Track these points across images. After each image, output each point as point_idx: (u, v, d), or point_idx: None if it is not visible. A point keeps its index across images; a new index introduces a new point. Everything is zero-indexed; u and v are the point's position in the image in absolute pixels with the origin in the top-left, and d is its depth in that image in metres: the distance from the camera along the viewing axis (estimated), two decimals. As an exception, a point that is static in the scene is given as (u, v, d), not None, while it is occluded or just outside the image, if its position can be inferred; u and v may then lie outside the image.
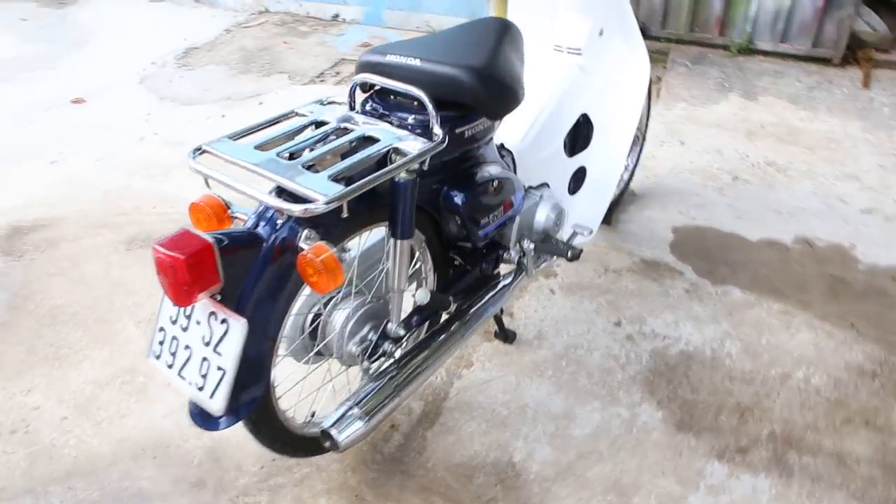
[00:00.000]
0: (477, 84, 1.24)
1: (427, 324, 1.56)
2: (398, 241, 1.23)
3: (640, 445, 1.62)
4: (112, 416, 1.71)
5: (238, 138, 1.16)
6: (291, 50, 4.20)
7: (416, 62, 1.25)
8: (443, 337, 1.43)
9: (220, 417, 1.10)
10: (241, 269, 1.05)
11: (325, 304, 1.34)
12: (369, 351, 1.35)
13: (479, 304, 1.55)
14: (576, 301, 2.08)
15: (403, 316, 1.40)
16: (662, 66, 3.66)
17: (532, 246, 1.60)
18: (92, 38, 4.40)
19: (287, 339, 1.33)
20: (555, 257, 1.73)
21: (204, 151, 1.12)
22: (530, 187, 1.74)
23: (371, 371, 1.37)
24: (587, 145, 1.94)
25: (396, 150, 1.15)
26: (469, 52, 1.28)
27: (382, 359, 1.40)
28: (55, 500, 1.51)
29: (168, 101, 3.50)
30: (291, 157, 1.13)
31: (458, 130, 1.30)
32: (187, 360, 1.06)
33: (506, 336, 1.90)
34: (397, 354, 1.42)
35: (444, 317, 1.53)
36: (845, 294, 2.12)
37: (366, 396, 1.27)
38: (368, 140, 1.16)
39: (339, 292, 1.35)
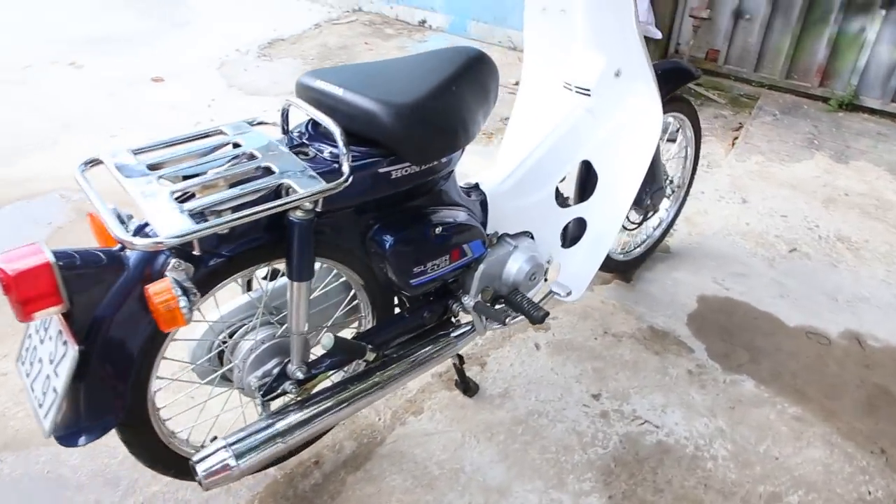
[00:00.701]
0: (394, 123, 1.12)
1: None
2: (293, 283, 1.14)
3: (571, 543, 1.44)
4: (65, 395, 1.75)
5: (142, 152, 1.12)
6: (370, 51, 4.22)
7: (339, 91, 1.14)
8: (354, 387, 1.33)
9: (78, 435, 1.06)
10: (98, 290, 1.01)
11: (232, 334, 1.28)
12: (267, 388, 1.27)
13: (411, 357, 1.42)
14: (559, 362, 1.89)
15: (314, 357, 1.31)
16: (748, 112, 3.32)
17: (472, 303, 1.44)
18: (194, 20, 4.65)
19: (191, 360, 1.28)
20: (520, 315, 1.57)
21: (99, 162, 1.09)
22: (505, 234, 1.59)
23: (268, 409, 1.29)
24: (592, 195, 1.76)
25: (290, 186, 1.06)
26: (403, 86, 1.16)
27: (284, 398, 1.32)
28: (-16, 470, 1.56)
29: (235, 89, 3.61)
30: (186, 179, 1.07)
31: (381, 171, 1.18)
32: (38, 372, 1.03)
33: (466, 387, 1.76)
34: (317, 389, 1.33)
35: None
36: (886, 411, 1.79)
37: (244, 437, 1.19)
38: (267, 171, 1.08)
39: (249, 320, 1.29)
